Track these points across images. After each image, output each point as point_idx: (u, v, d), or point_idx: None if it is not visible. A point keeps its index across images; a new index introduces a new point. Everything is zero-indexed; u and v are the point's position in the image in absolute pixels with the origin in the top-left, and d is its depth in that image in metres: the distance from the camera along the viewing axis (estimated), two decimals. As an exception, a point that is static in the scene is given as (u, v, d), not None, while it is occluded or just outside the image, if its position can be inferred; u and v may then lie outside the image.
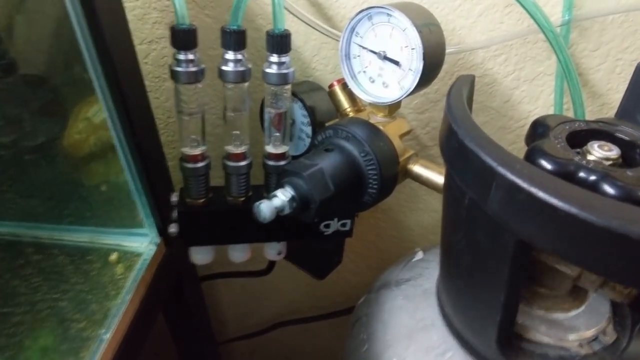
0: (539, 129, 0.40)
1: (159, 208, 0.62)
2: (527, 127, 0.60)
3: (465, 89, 0.39)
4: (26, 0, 0.53)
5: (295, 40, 0.64)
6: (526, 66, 0.63)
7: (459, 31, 0.61)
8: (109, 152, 0.56)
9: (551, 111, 0.65)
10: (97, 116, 0.55)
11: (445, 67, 0.51)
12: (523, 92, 0.65)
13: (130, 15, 0.61)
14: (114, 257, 0.62)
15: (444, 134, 0.37)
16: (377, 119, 0.53)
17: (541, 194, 0.26)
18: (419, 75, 0.46)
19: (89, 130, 0.58)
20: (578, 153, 0.36)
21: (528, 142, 0.41)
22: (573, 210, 0.25)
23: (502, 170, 0.28)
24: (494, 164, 0.29)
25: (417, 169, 0.52)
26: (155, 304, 0.64)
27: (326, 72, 0.67)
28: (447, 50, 0.51)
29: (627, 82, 0.43)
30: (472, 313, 0.41)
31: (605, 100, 0.65)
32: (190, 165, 0.52)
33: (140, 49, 0.65)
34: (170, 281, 0.70)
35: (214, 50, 0.65)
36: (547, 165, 0.35)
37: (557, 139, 0.37)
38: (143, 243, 0.64)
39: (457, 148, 0.33)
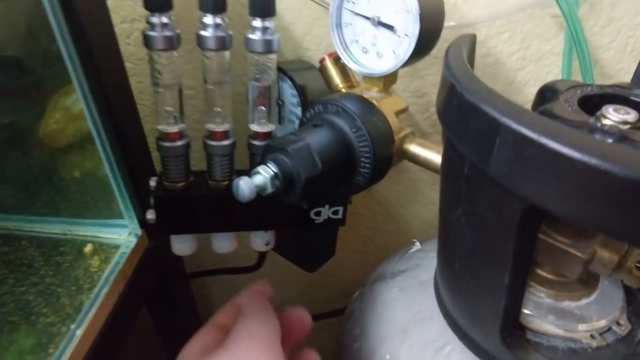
0: (547, 94, 0.36)
1: (141, 198, 0.59)
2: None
3: (465, 47, 0.35)
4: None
5: (286, 17, 0.60)
6: (532, 44, 0.59)
7: (460, 5, 0.57)
8: (87, 143, 0.53)
9: (559, 93, 0.61)
10: (75, 105, 0.52)
11: (444, 45, 0.47)
12: (529, 73, 0.61)
13: (110, -9, 0.58)
14: (88, 249, 0.58)
15: (442, 95, 0.32)
16: (371, 94, 0.49)
17: (555, 145, 0.22)
18: (414, 40, 0.42)
19: (67, 119, 0.55)
20: (592, 117, 0.32)
21: (535, 109, 0.37)
22: (593, 161, 0.21)
23: (507, 120, 0.24)
24: (497, 114, 0.24)
25: (414, 148, 0.47)
26: (136, 299, 0.60)
27: (319, 51, 0.62)
28: (447, 25, 0.47)
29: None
30: (473, 301, 0.37)
31: (616, 80, 0.60)
32: (167, 144, 0.48)
33: (121, 28, 0.61)
34: (154, 276, 0.66)
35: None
36: (558, 129, 0.30)
37: (568, 102, 0.33)
38: (122, 235, 0.61)
39: (456, 105, 0.29)
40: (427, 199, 0.75)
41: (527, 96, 0.62)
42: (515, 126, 0.23)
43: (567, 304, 0.38)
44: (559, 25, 0.57)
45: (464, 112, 0.28)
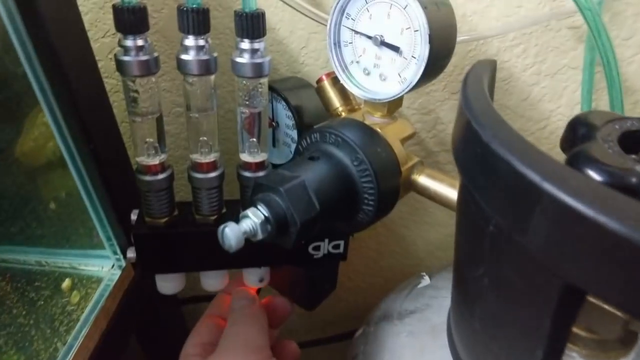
0: (580, 130, 0.30)
1: (125, 227, 0.54)
2: (548, 128, 0.51)
3: (485, 77, 0.30)
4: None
5: (280, 31, 0.55)
6: (548, 58, 0.54)
7: (470, 17, 0.52)
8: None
9: (576, 110, 0.56)
10: None
11: (453, 59, 0.42)
12: (544, 88, 0.56)
13: (89, 4, 0.53)
14: (66, 283, 0.53)
15: (459, 136, 0.27)
16: (374, 119, 0.44)
17: (614, 225, 0.17)
18: (424, 64, 0.37)
19: (47, 136, 0.50)
20: (636, 160, 0.27)
21: (565, 146, 0.32)
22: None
23: (551, 188, 0.19)
24: (537, 178, 0.19)
25: (423, 180, 0.42)
26: (121, 337, 0.56)
27: (316, 66, 0.58)
28: (457, 39, 0.42)
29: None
30: (497, 367, 0.32)
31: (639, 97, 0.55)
32: (147, 178, 0.43)
33: (103, 42, 0.56)
34: (141, 309, 0.61)
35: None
36: (598, 176, 0.25)
37: (607, 142, 0.28)
38: (104, 267, 0.56)
39: (480, 155, 0.23)
40: (435, 220, 0.70)
41: (542, 112, 0.57)
42: (561, 195, 0.18)
43: (604, 367, 0.33)
44: (576, 37, 0.52)
45: (490, 166, 0.23)
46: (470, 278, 0.31)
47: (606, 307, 0.30)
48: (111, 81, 0.58)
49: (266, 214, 0.35)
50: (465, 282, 0.33)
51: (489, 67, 0.32)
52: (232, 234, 0.34)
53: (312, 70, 0.58)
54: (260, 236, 0.35)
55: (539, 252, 0.21)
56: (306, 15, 0.50)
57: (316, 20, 0.50)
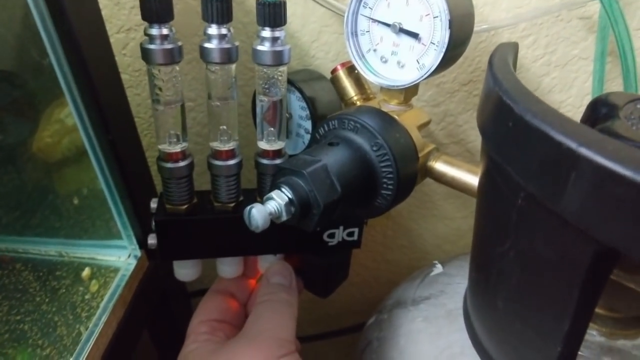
0: (602, 110, 0.31)
1: (140, 217, 0.55)
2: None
3: (510, 57, 0.31)
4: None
5: (292, 25, 0.56)
6: (558, 49, 0.55)
7: (480, 8, 0.53)
8: (83, 157, 0.49)
9: (587, 101, 0.57)
10: (70, 118, 0.48)
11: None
12: (554, 79, 0.57)
13: (105, 0, 0.54)
14: (86, 272, 0.54)
15: (488, 112, 0.28)
16: (391, 107, 0.45)
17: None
18: (444, 49, 0.38)
19: (62, 132, 0.51)
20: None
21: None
22: None
23: (587, 152, 0.20)
24: (573, 143, 0.20)
25: (440, 166, 0.43)
26: (137, 326, 0.56)
27: (327, 59, 0.58)
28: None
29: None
30: (519, 343, 0.32)
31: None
32: (169, 165, 0.44)
33: (117, 38, 0.57)
34: (155, 299, 0.62)
35: (200, 37, 0.57)
36: (622, 152, 0.26)
37: (630, 119, 0.29)
38: (121, 257, 0.57)
39: (512, 128, 0.24)
40: (442, 212, 0.71)
41: (551, 103, 0.58)
42: (599, 159, 0.19)
43: (623, 343, 0.34)
44: (587, 27, 0.53)
45: (523, 138, 0.23)
46: (494, 255, 0.31)
47: (626, 284, 0.31)
48: (124, 76, 0.59)
49: (290, 196, 0.36)
50: (487, 260, 0.33)
51: (513, 49, 0.33)
52: (258, 214, 0.34)
53: (322, 63, 0.59)
54: (284, 218, 0.36)
55: (574, 217, 0.21)
56: (321, 5, 0.51)
57: (330, 10, 0.51)
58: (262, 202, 0.36)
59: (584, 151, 0.20)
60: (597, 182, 0.20)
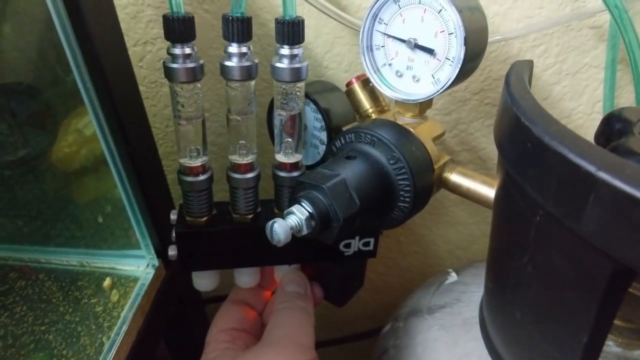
0: (615, 125, 0.32)
1: (157, 227, 0.56)
2: (569, 127, 0.53)
3: (525, 76, 0.32)
4: (9, 3, 0.47)
5: (305, 36, 0.57)
6: (569, 57, 0.56)
7: (492, 19, 0.54)
8: (102, 167, 0.50)
9: (597, 108, 0.58)
10: (88, 128, 0.50)
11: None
12: (565, 87, 0.57)
13: (122, 14, 0.55)
14: (107, 282, 0.55)
15: (505, 131, 0.29)
16: (405, 119, 0.46)
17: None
18: (460, 65, 0.38)
19: (80, 143, 0.52)
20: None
21: (601, 140, 0.33)
22: None
23: (606, 176, 0.21)
24: (592, 167, 0.21)
25: (455, 177, 0.44)
26: (155, 335, 0.57)
27: (340, 70, 0.59)
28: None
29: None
30: (537, 355, 0.33)
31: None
32: (190, 179, 0.45)
33: (134, 51, 0.58)
34: (171, 308, 0.63)
35: (215, 50, 0.58)
36: (638, 169, 0.27)
37: (644, 135, 0.30)
38: (140, 266, 0.58)
39: (530, 148, 0.25)
40: (454, 219, 0.72)
41: (562, 111, 0.59)
42: (618, 183, 0.20)
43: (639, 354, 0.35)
44: (598, 36, 0.53)
45: (542, 159, 0.24)
46: (511, 268, 0.32)
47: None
48: (141, 88, 0.60)
49: (310, 211, 0.37)
50: (504, 272, 0.34)
51: (528, 67, 0.34)
52: (280, 229, 0.35)
53: (335, 74, 0.60)
54: (305, 231, 0.37)
55: (593, 237, 0.22)
56: (333, 18, 0.52)
57: (341, 22, 0.52)
58: (283, 216, 0.36)
59: (602, 175, 0.21)
60: (616, 204, 0.21)
